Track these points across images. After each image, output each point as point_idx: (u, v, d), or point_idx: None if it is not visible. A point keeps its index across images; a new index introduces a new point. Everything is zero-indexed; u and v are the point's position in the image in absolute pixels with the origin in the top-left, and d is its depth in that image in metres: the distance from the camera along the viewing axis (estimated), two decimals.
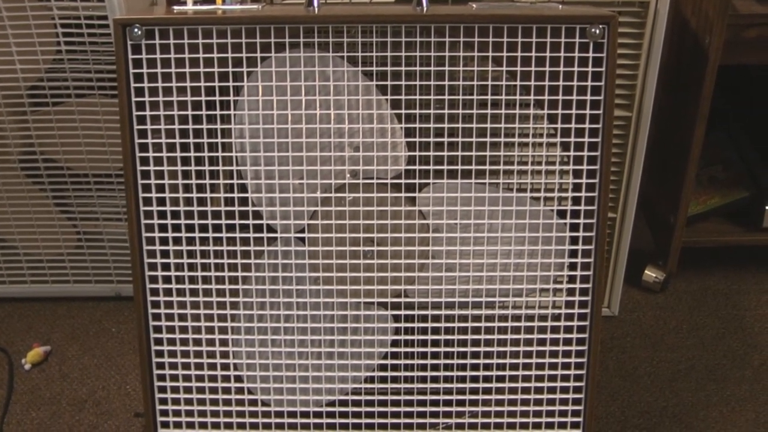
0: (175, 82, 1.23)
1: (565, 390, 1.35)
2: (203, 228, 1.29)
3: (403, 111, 1.25)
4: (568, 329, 1.32)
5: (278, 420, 1.37)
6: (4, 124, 1.69)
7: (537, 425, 1.36)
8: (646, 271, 1.93)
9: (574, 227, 1.29)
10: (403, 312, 1.32)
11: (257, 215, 1.28)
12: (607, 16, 1.21)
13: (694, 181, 1.79)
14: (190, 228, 1.29)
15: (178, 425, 1.36)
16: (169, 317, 1.32)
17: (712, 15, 1.59)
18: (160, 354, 1.33)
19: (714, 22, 1.58)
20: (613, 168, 1.65)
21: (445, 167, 1.26)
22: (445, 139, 1.25)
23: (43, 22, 1.59)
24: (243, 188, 1.28)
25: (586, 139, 1.25)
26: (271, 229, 1.29)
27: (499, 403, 1.35)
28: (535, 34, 1.22)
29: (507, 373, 1.34)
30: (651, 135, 1.65)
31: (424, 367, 1.34)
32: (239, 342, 1.34)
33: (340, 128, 1.25)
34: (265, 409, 1.36)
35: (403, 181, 1.27)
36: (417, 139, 1.26)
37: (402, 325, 1.33)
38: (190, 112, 1.24)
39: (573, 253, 1.30)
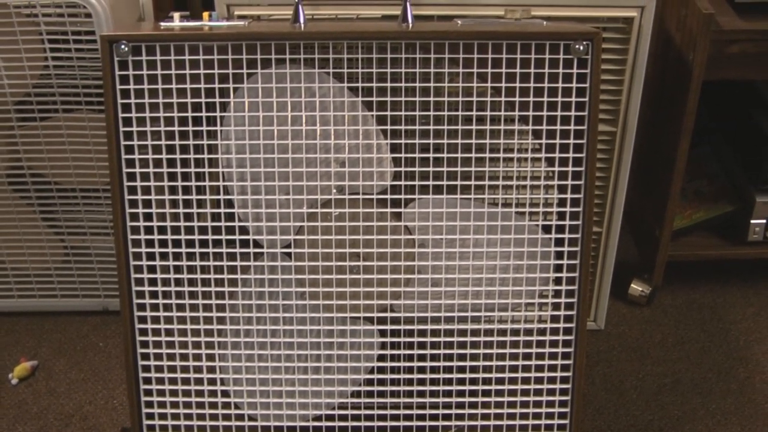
0: (161, 99, 1.24)
1: (550, 404, 1.35)
2: (190, 243, 1.29)
3: (388, 127, 1.26)
4: (554, 343, 1.33)
5: None
6: None
7: None
8: (632, 285, 1.94)
9: (559, 242, 1.29)
10: (389, 327, 1.33)
11: (244, 230, 1.29)
12: (590, 33, 1.22)
13: (680, 195, 1.80)
14: (177, 243, 1.29)
15: None
16: (156, 332, 1.32)
17: (695, 31, 1.60)
18: (147, 369, 1.33)
19: (698, 38, 1.59)
20: (598, 182, 1.66)
21: (430, 182, 1.27)
22: (431, 155, 1.26)
23: (30, 37, 1.59)
24: (230, 204, 1.29)
25: (571, 155, 1.26)
26: (257, 244, 1.30)
27: (485, 417, 1.36)
28: (520, 51, 1.23)
29: (493, 387, 1.35)
30: (636, 149, 1.66)
31: (410, 381, 1.34)
32: (226, 357, 1.34)
33: (326, 144, 1.26)
34: (251, 423, 1.36)
35: (388, 196, 1.28)
36: (403, 155, 1.26)
37: (388, 339, 1.33)
38: (176, 128, 1.25)
39: (558, 268, 1.30)
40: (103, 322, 1.89)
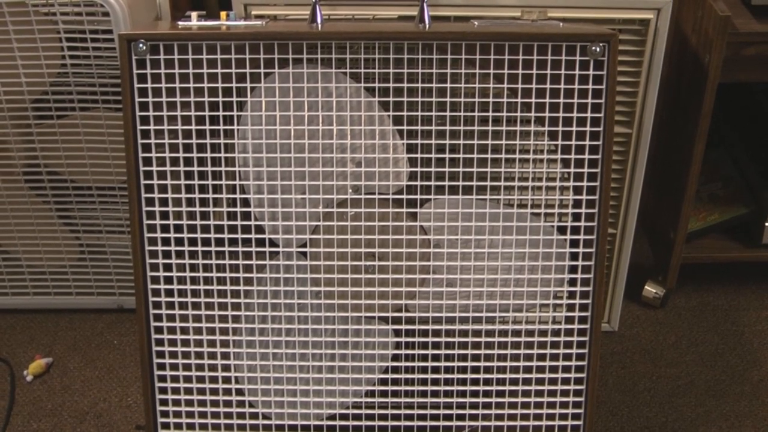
0: (179, 98, 1.24)
1: (564, 405, 1.35)
2: (206, 241, 1.30)
3: (405, 127, 1.26)
4: (568, 344, 1.33)
5: None
6: (8, 137, 1.70)
7: None
8: (645, 287, 1.94)
9: (574, 243, 1.30)
10: (403, 326, 1.33)
11: (259, 229, 1.29)
12: (607, 35, 1.22)
13: (694, 197, 1.79)
14: (192, 241, 1.30)
15: None
16: (171, 330, 1.33)
17: (711, 33, 1.60)
18: (161, 366, 1.34)
19: (714, 40, 1.59)
20: (613, 184, 1.66)
21: (446, 183, 1.27)
22: (447, 155, 1.26)
23: (48, 35, 1.60)
24: (246, 202, 1.29)
25: (587, 156, 1.26)
26: (273, 243, 1.30)
27: (499, 417, 1.36)
28: (536, 52, 1.23)
29: (507, 387, 1.35)
30: (651, 151, 1.66)
31: (424, 381, 1.35)
32: (241, 355, 1.35)
33: (342, 143, 1.26)
34: (266, 422, 1.37)
35: (404, 196, 1.28)
36: (419, 155, 1.27)
37: (403, 339, 1.34)
38: (193, 127, 1.25)
39: (573, 269, 1.30)
40: (117, 320, 1.90)
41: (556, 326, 1.33)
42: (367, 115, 1.26)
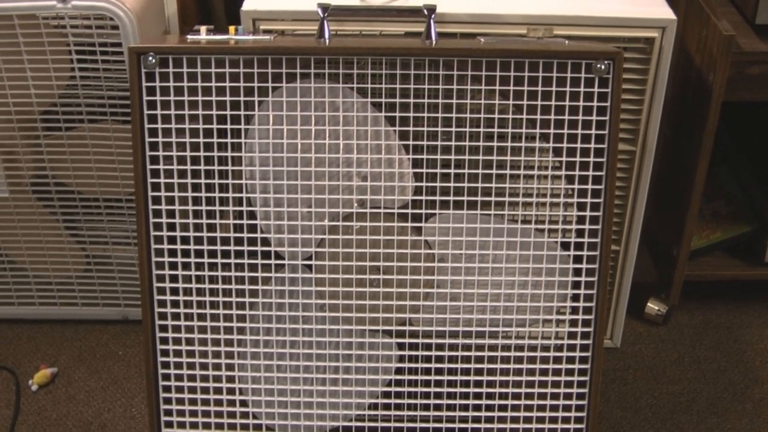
0: (187, 110, 1.25)
1: (566, 420, 1.35)
2: (212, 253, 1.30)
3: (410, 142, 1.27)
4: (570, 360, 1.34)
5: None
6: (17, 148, 1.71)
7: None
8: (648, 304, 1.94)
9: (578, 259, 1.30)
10: (407, 340, 1.34)
11: (265, 242, 1.30)
12: (612, 53, 1.23)
13: (697, 215, 1.80)
14: (199, 253, 1.30)
15: None
16: (177, 341, 1.33)
17: (716, 52, 1.61)
18: (166, 377, 1.35)
19: (718, 59, 1.60)
20: (616, 201, 1.66)
21: (451, 198, 1.28)
22: (452, 171, 1.27)
23: (57, 48, 1.61)
24: (252, 215, 1.30)
25: (591, 173, 1.27)
26: (278, 255, 1.31)
27: None
28: (542, 69, 1.24)
29: (509, 402, 1.35)
30: (655, 169, 1.66)
31: (427, 395, 1.35)
32: (245, 366, 1.35)
33: (348, 158, 1.27)
34: None
35: (409, 211, 1.29)
36: (424, 170, 1.27)
37: (406, 352, 1.34)
38: (201, 140, 1.27)
39: (576, 285, 1.31)
40: (122, 331, 1.91)
41: (559, 342, 1.34)
42: (373, 129, 1.27)
